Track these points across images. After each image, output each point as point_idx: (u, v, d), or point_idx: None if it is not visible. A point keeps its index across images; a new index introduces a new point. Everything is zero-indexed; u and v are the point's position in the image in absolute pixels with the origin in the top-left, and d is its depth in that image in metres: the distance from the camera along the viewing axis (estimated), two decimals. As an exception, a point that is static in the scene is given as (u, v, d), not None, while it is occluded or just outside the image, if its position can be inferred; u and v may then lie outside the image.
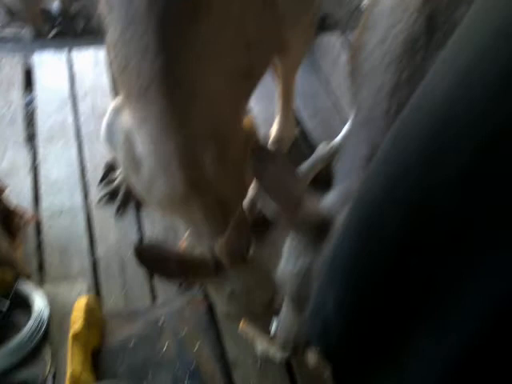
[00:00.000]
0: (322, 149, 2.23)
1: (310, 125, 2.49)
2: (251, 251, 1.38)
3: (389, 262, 0.52)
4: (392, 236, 0.49)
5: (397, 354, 0.58)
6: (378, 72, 1.27)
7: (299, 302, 1.18)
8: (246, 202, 2.05)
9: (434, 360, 0.50)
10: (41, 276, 1.94)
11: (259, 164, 1.16)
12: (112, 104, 1.66)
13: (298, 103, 2.49)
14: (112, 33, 1.43)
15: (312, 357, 1.52)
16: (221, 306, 1.57)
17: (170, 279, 1.36)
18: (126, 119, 1.50)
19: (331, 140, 2.26)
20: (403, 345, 0.55)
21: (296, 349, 1.34)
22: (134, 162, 1.49)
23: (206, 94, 1.43)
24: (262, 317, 1.47)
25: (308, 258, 1.12)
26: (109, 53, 1.55)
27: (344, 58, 2.69)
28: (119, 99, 1.62)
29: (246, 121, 1.73)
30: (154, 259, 1.32)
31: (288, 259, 1.19)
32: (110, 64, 1.60)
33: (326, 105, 2.59)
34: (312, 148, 2.31)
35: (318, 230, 1.11)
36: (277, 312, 1.40)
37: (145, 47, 1.33)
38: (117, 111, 1.60)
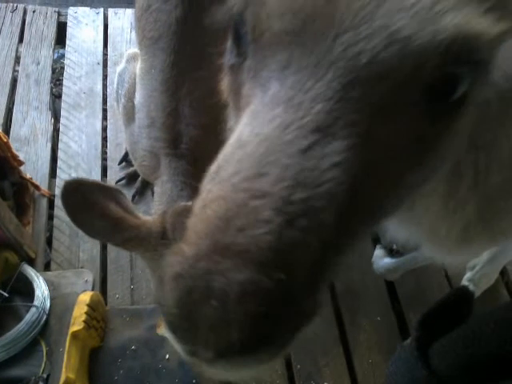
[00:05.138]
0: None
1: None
2: None
3: None
4: None
5: None
6: None
7: None
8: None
9: None
10: (47, 257, 1.85)
11: None
12: (128, 51, 1.64)
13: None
14: None
15: None
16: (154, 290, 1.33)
17: (93, 235, 1.10)
18: (136, 66, 1.50)
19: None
20: None
21: None
22: (130, 111, 1.46)
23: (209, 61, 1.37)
24: None
25: None
26: None
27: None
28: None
29: None
30: (84, 206, 1.03)
31: None
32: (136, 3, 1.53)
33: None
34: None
35: None
36: None
37: None
38: (131, 58, 1.58)
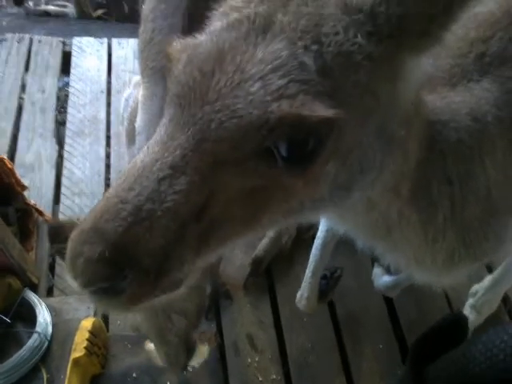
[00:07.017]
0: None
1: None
2: None
3: None
4: None
5: None
6: None
7: None
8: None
9: None
10: (50, 283, 1.85)
11: None
12: (135, 77, 1.72)
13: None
14: (147, 3, 1.46)
15: None
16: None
17: None
18: (139, 93, 1.56)
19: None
20: None
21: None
22: (131, 134, 1.52)
23: None
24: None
25: None
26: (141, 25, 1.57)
27: None
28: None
29: None
30: None
31: None
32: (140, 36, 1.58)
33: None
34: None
35: None
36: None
37: (171, 25, 1.37)
38: (137, 84, 1.65)
